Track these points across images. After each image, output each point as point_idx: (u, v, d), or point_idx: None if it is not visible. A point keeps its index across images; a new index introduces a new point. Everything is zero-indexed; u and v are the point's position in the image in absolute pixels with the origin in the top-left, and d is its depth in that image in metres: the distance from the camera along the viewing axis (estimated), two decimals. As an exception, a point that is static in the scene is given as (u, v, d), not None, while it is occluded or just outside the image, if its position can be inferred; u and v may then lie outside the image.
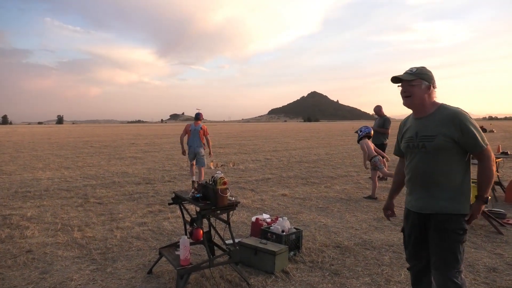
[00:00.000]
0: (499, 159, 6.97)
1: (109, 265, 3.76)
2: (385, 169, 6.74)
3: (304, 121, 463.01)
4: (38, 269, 3.66)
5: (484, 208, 2.22)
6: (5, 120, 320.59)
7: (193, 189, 3.40)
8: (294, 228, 4.17)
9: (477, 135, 2.15)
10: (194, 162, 8.14)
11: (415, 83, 2.24)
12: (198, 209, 3.15)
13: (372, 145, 6.88)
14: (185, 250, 3.14)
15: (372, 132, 7.03)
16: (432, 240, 2.24)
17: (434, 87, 2.28)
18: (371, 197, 6.79)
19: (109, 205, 6.44)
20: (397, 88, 2.34)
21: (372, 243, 4.37)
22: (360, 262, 3.82)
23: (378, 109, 8.94)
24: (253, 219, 4.49)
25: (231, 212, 3.29)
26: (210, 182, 3.17)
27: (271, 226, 4.17)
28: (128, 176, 9.81)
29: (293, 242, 4.00)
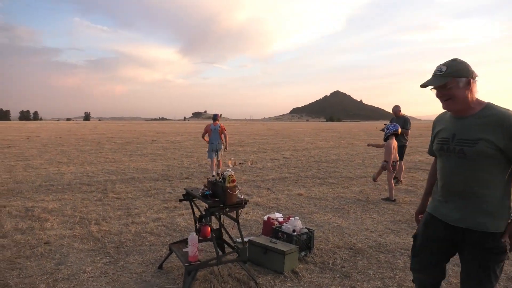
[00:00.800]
0: None
1: (122, 259, 3.84)
2: (391, 176, 6.65)
3: (326, 120, 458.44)
4: (54, 260, 3.78)
5: None
6: (35, 116, 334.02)
7: (203, 186, 3.41)
8: (306, 228, 4.12)
9: None
10: (215, 158, 9.18)
11: (451, 85, 1.93)
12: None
13: (395, 145, 6.70)
14: (193, 246, 3.15)
15: (400, 130, 6.83)
16: (466, 259, 2.00)
17: (474, 79, 1.94)
18: (389, 199, 6.63)
19: (126, 200, 6.57)
20: (430, 91, 2.03)
21: (386, 246, 4.26)
22: (372, 265, 3.73)
23: (396, 109, 8.71)
24: (265, 218, 4.47)
25: (241, 210, 3.27)
26: (220, 180, 3.17)
27: (283, 225, 4.13)
28: (147, 172, 9.99)
29: (304, 242, 3.94)
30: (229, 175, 3.05)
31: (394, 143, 6.68)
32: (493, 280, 1.92)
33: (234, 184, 3.07)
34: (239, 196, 3.24)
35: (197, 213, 3.81)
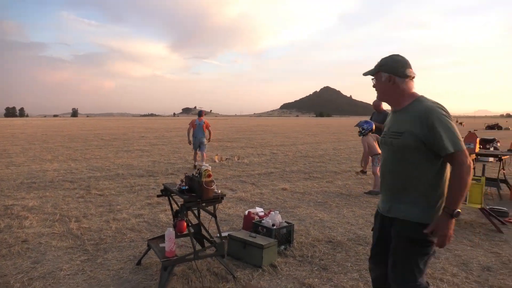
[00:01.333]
0: (506, 156, 6.77)
1: (100, 256, 3.80)
2: (377, 168, 6.69)
3: (316, 116, 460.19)
4: (30, 259, 3.72)
5: (453, 223, 1.86)
6: (22, 113, 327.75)
7: (180, 181, 3.39)
8: (286, 222, 4.14)
9: (446, 135, 1.82)
10: (198, 151, 10.14)
11: (377, 77, 2.09)
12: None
13: (376, 139, 6.75)
14: (170, 242, 3.14)
15: (374, 127, 6.91)
16: (391, 250, 2.04)
17: (403, 77, 1.98)
18: (372, 193, 6.70)
19: (109, 196, 6.51)
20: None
21: (366, 239, 4.31)
22: (350, 258, 3.77)
23: (377, 103, 8.75)
24: (246, 212, 4.47)
25: (218, 205, 3.27)
26: (196, 175, 3.16)
27: (263, 219, 4.14)
28: (132, 168, 9.91)
29: (284, 236, 3.97)
30: (205, 170, 3.04)
31: (371, 137, 6.73)
32: (416, 273, 1.93)
33: (210, 179, 3.06)
34: (216, 191, 3.23)
35: (176, 209, 3.80)
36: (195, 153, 10.26)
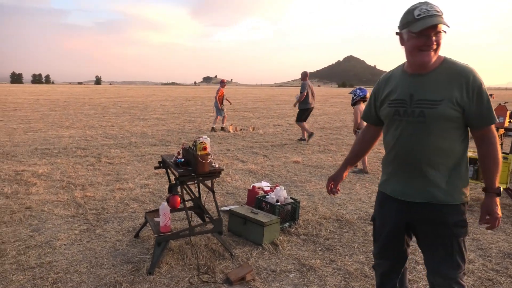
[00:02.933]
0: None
1: (100, 226, 3.73)
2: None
3: (338, 86, 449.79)
4: (31, 227, 3.69)
5: (498, 201, 1.69)
6: (47, 80, 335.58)
7: (177, 153, 3.20)
8: (291, 198, 3.93)
9: (488, 105, 1.63)
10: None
11: (445, 29, 1.61)
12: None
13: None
14: (165, 217, 2.99)
15: (368, 94, 6.40)
16: (425, 239, 1.78)
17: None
18: (363, 171, 6.18)
19: (118, 165, 6.46)
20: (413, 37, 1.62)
21: (377, 218, 4.06)
22: (358, 238, 3.55)
23: (304, 74, 9.21)
24: (250, 186, 4.28)
25: (214, 179, 3.07)
26: (192, 147, 2.95)
27: (267, 195, 3.94)
28: (146, 137, 9.86)
29: (288, 213, 3.77)
30: (201, 142, 2.82)
31: (362, 108, 6.11)
32: (460, 261, 1.73)
33: (206, 152, 2.85)
34: (214, 164, 3.02)
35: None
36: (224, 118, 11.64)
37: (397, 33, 1.73)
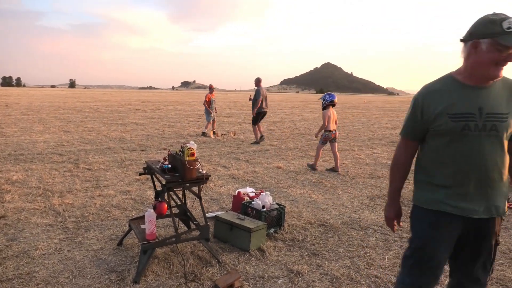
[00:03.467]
0: None
1: (81, 235, 3.62)
2: (320, 152, 6.82)
3: (316, 92, 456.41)
4: (7, 236, 3.53)
5: None
6: (18, 82, 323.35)
7: (163, 159, 3.15)
8: (277, 204, 3.94)
9: None
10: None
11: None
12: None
13: (334, 116, 6.68)
14: (151, 224, 2.94)
15: (336, 99, 6.81)
16: (474, 248, 1.78)
17: None
18: (313, 167, 6.86)
19: (98, 171, 6.30)
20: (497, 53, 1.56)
21: (360, 223, 4.13)
22: (343, 243, 3.59)
23: (257, 80, 9.94)
24: (236, 192, 4.27)
25: (202, 185, 3.05)
26: (179, 153, 2.92)
27: (253, 201, 3.94)
28: (125, 142, 9.66)
29: (274, 218, 3.78)
30: (188, 148, 2.79)
31: (330, 112, 6.65)
32: (492, 267, 1.84)
33: (194, 158, 2.82)
34: (201, 170, 3.00)
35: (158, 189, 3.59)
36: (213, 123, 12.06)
37: (463, 40, 1.67)
